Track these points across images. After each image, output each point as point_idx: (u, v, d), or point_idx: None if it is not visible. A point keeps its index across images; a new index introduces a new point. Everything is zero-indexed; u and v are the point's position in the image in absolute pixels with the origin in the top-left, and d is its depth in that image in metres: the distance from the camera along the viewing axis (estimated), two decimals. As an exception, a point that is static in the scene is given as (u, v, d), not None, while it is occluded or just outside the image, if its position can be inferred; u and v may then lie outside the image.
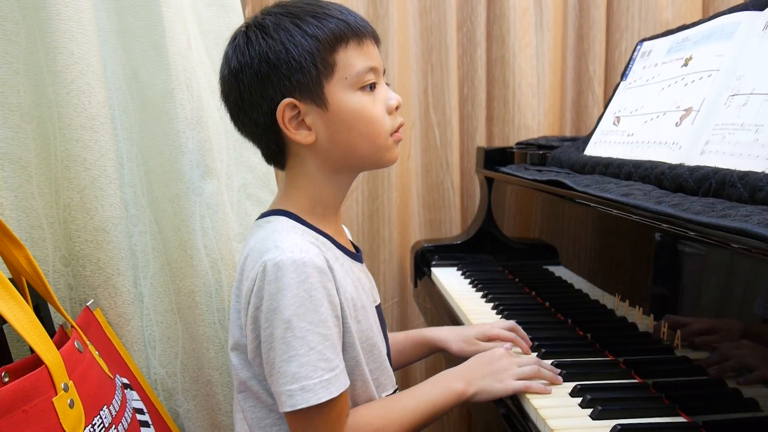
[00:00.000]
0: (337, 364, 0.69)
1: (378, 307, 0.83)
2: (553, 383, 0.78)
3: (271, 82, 0.72)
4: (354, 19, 0.74)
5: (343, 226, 0.86)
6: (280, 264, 0.67)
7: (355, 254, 0.82)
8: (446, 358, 1.10)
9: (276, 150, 0.78)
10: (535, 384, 0.77)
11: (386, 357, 0.82)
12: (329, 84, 0.72)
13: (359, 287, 0.77)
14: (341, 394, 0.69)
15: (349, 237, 0.87)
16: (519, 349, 0.90)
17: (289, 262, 0.68)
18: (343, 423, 0.71)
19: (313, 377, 0.67)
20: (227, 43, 0.77)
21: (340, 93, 0.73)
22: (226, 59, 0.76)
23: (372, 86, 0.75)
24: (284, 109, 0.72)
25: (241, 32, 0.75)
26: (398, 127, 0.78)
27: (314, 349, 0.67)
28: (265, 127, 0.75)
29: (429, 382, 0.79)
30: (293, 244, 0.69)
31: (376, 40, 0.77)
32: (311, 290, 0.68)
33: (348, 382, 0.70)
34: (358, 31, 0.74)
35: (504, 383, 0.77)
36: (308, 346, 0.67)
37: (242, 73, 0.73)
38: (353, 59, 0.73)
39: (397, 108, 0.77)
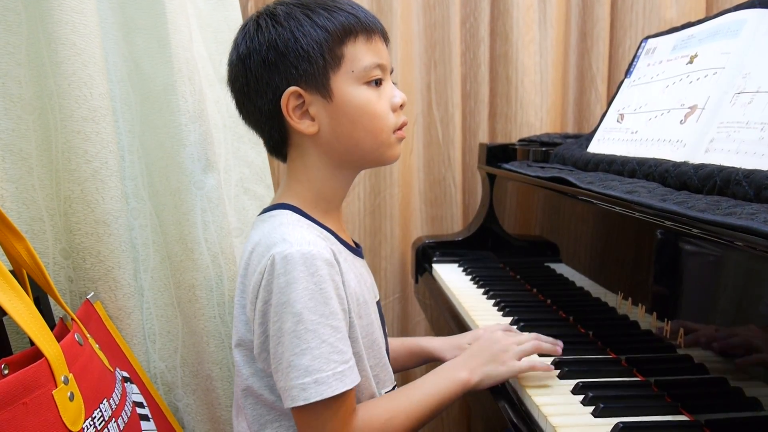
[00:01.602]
0: (350, 356, 0.69)
1: (378, 303, 0.83)
2: (554, 354, 0.79)
3: (277, 69, 0.72)
4: (365, 15, 0.75)
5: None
6: (289, 257, 0.67)
7: (356, 249, 0.82)
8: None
9: (278, 140, 0.78)
10: (539, 363, 0.77)
11: (385, 353, 0.82)
12: (336, 76, 0.73)
13: (361, 283, 0.77)
14: (352, 388, 0.69)
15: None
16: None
17: (298, 255, 0.67)
18: (351, 417, 0.70)
19: (326, 370, 0.66)
20: (237, 30, 0.78)
21: (346, 85, 0.73)
22: (235, 45, 0.76)
23: (378, 82, 0.75)
24: (289, 98, 0.73)
25: (252, 20, 0.76)
26: (401, 125, 0.78)
27: (326, 341, 0.67)
28: (269, 115, 0.75)
29: (433, 374, 0.79)
30: (301, 237, 0.69)
31: (386, 38, 0.78)
32: (321, 283, 0.68)
33: (359, 376, 0.70)
34: (368, 27, 0.74)
35: (507, 365, 0.77)
36: (320, 338, 0.67)
37: (250, 59, 0.74)
38: (361, 53, 0.74)
39: (401, 106, 0.77)
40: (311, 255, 0.68)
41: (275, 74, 0.73)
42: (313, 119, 0.74)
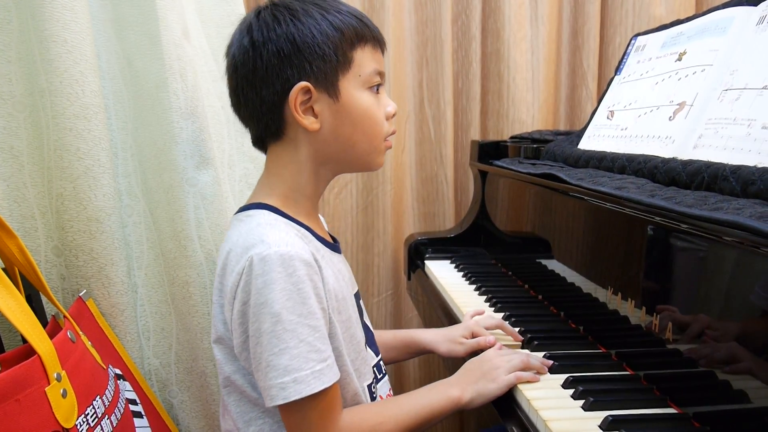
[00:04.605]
0: (329, 355, 0.70)
1: (356, 296, 0.83)
2: (540, 373, 0.79)
3: (291, 62, 0.73)
4: (372, 25, 0.78)
5: (320, 216, 0.86)
6: (267, 258, 0.68)
7: (334, 245, 0.83)
8: (436, 356, 1.10)
9: (274, 131, 0.77)
10: (526, 373, 0.78)
11: (365, 346, 0.82)
12: (344, 77, 0.75)
13: (339, 279, 0.78)
14: (333, 385, 0.70)
15: (326, 227, 0.87)
16: (509, 339, 0.91)
17: (275, 256, 0.68)
18: (337, 415, 0.71)
19: (304, 369, 0.67)
20: (249, 15, 0.77)
21: (352, 88, 0.76)
22: (248, 30, 0.76)
23: (377, 89, 0.78)
24: (298, 92, 0.74)
25: (267, 9, 0.76)
26: (391, 134, 0.81)
27: (304, 341, 0.68)
28: (271, 106, 0.75)
29: (425, 389, 0.80)
30: (279, 239, 0.70)
31: (384, 50, 0.81)
32: (299, 283, 0.68)
33: (339, 373, 0.71)
34: (375, 36, 0.78)
35: (496, 382, 0.78)
36: (298, 338, 0.68)
37: (264, 47, 0.74)
38: (367, 60, 0.77)
39: (392, 116, 0.80)
40: (289, 256, 0.68)
41: (287, 67, 0.73)
42: (316, 116, 0.75)
